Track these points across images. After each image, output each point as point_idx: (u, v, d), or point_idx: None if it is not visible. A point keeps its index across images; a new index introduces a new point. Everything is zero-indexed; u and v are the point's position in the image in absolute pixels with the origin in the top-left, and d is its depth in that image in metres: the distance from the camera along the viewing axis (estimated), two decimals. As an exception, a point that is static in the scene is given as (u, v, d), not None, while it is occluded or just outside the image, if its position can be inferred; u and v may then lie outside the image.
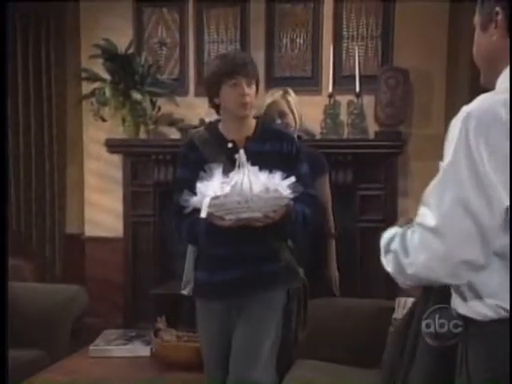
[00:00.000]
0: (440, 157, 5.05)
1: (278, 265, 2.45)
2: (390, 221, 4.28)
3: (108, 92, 4.30)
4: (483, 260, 1.43)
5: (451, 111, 4.23)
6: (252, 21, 4.54)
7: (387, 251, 1.58)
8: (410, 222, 1.59)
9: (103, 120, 4.45)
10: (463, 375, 1.51)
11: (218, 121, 2.57)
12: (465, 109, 1.47)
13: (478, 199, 1.41)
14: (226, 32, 4.58)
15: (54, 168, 4.78)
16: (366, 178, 4.38)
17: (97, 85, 4.43)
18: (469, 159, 1.42)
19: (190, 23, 4.62)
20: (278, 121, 3.11)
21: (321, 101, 4.35)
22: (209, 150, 2.46)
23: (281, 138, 2.52)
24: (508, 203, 1.41)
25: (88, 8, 4.68)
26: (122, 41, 4.44)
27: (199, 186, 2.19)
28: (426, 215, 1.46)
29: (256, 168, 2.19)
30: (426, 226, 1.45)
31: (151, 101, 4.42)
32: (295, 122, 3.19)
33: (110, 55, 4.36)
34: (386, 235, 1.62)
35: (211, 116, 3.81)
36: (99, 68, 4.42)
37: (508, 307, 1.45)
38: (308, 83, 4.40)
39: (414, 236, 1.48)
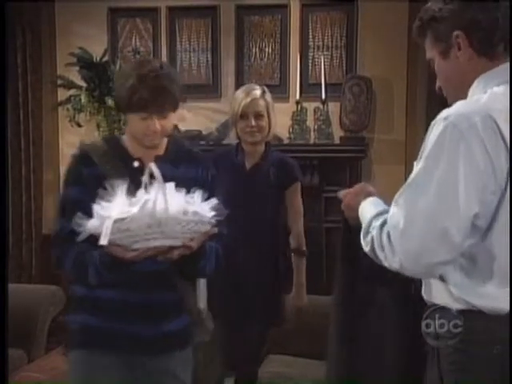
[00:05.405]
0: (401, 161, 5.31)
1: (185, 319, 2.07)
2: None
3: (83, 98, 4.40)
4: (449, 258, 1.44)
5: (411, 117, 4.49)
6: (223, 31, 4.68)
7: (367, 233, 1.55)
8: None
9: (79, 125, 4.54)
10: (435, 368, 1.55)
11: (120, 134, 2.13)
12: (443, 113, 1.46)
13: (442, 205, 1.41)
14: (197, 41, 4.71)
15: (31, 171, 4.82)
16: (331, 181, 4.51)
17: (72, 91, 4.52)
18: (439, 166, 1.42)
19: (162, 32, 4.74)
20: (253, 122, 2.87)
21: (288, 107, 4.49)
22: (108, 167, 1.96)
23: (196, 162, 2.10)
24: (477, 210, 1.41)
25: (63, 17, 4.79)
26: (97, 49, 4.54)
27: (97, 207, 1.72)
28: (395, 215, 1.46)
29: (172, 184, 1.73)
30: (395, 226, 1.45)
31: (125, 107, 4.53)
32: (269, 126, 2.91)
33: (85, 63, 4.46)
34: (367, 214, 1.58)
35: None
36: (75, 75, 4.52)
37: (473, 302, 1.48)
38: (276, 91, 4.41)
39: (386, 233, 1.47)
